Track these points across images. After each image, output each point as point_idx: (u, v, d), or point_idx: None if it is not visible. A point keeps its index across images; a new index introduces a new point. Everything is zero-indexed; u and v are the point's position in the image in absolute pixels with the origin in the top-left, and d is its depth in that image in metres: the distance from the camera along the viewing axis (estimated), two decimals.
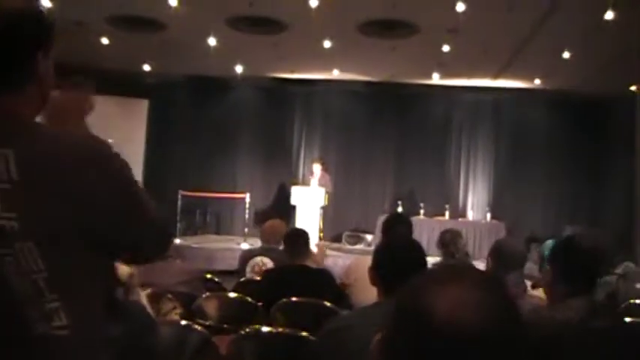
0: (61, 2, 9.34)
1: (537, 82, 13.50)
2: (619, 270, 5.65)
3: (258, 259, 5.32)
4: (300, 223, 11.61)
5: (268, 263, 5.19)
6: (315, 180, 12.31)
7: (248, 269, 5.25)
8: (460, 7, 8.99)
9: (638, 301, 4.77)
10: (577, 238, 2.74)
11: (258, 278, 4.80)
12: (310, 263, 4.48)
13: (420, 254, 2.51)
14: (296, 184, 13.79)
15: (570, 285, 2.51)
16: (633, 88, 9.85)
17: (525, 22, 9.74)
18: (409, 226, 4.52)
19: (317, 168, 12.43)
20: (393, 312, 0.95)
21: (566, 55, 10.92)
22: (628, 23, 8.49)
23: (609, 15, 8.80)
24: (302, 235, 4.63)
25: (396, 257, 2.45)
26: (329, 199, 12.23)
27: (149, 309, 3.30)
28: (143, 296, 3.39)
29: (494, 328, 0.87)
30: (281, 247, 5.22)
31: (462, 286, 0.91)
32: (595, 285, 2.62)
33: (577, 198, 14.54)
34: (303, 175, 14.83)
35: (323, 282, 4.20)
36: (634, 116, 8.51)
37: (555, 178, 14.64)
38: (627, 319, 3.78)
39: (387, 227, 4.41)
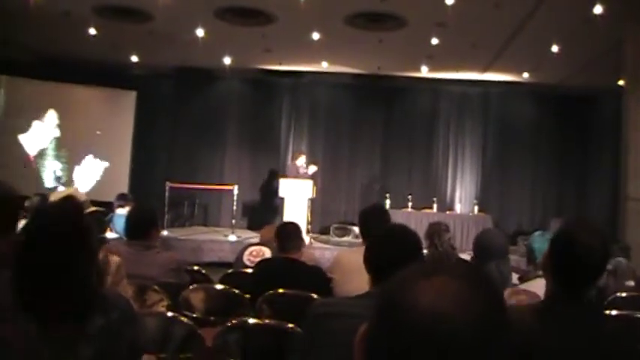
0: None
1: (525, 75, 13.54)
2: (609, 266, 5.58)
3: (257, 247, 5.35)
4: (287, 215, 11.59)
5: (266, 250, 5.21)
6: (311, 168, 12.24)
7: (246, 253, 5.27)
8: (449, 1, 8.99)
9: (624, 294, 4.79)
10: (577, 232, 2.18)
11: (249, 269, 4.79)
12: (301, 257, 4.43)
13: (414, 245, 2.43)
14: (284, 176, 13.78)
15: (560, 287, 2.15)
16: (621, 82, 9.87)
17: (514, 15, 9.76)
18: (387, 217, 4.47)
19: (302, 160, 12.38)
20: (375, 305, 0.95)
21: (554, 48, 10.95)
22: (616, 17, 8.52)
23: (597, 9, 8.82)
24: (293, 229, 4.59)
25: (388, 247, 2.39)
26: (317, 191, 12.22)
27: (133, 300, 3.29)
28: (128, 287, 3.38)
29: (476, 321, 0.86)
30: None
31: (444, 279, 0.89)
32: (587, 290, 2.16)
33: (564, 192, 14.63)
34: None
35: (315, 278, 4.17)
36: (621, 110, 8.56)
37: (542, 172, 14.72)
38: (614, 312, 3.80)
39: (365, 220, 4.37)
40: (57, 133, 13.97)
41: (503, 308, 0.92)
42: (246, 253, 5.28)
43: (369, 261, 2.42)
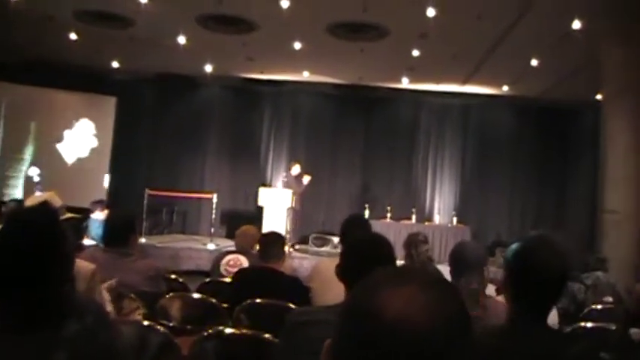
0: None
1: (505, 88, 13.64)
2: (589, 281, 5.56)
3: (234, 255, 5.30)
4: (267, 224, 11.58)
5: (243, 260, 5.16)
6: (305, 178, 12.31)
7: (223, 262, 5.23)
8: (430, 13, 9.04)
9: (599, 307, 4.83)
10: (532, 248, 2.10)
11: (228, 280, 4.76)
12: (282, 267, 4.41)
13: (385, 252, 2.39)
14: (264, 184, 13.78)
15: (520, 306, 2.06)
16: (599, 96, 9.98)
17: (494, 29, 9.83)
18: (368, 227, 4.48)
19: (297, 169, 12.45)
20: (341, 312, 0.95)
21: (534, 62, 11.05)
22: (594, 32, 8.61)
23: (576, 24, 8.93)
24: (275, 238, 4.57)
25: (359, 255, 2.37)
26: (296, 201, 12.22)
27: (110, 307, 3.26)
28: (105, 294, 3.35)
29: (443, 329, 0.86)
30: (255, 251, 5.22)
31: (411, 287, 0.90)
32: (548, 309, 2.07)
33: (542, 203, 14.73)
34: (271, 176, 14.84)
35: (293, 288, 4.16)
36: (598, 124, 8.66)
37: (521, 184, 14.81)
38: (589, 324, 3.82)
39: (345, 229, 4.36)
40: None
41: (469, 318, 0.92)
42: (223, 262, 5.23)
43: (343, 268, 2.38)
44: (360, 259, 2.32)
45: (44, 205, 1.98)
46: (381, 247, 2.43)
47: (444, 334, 0.86)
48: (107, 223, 4.30)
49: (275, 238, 4.54)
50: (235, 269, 4.93)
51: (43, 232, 1.80)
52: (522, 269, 2.07)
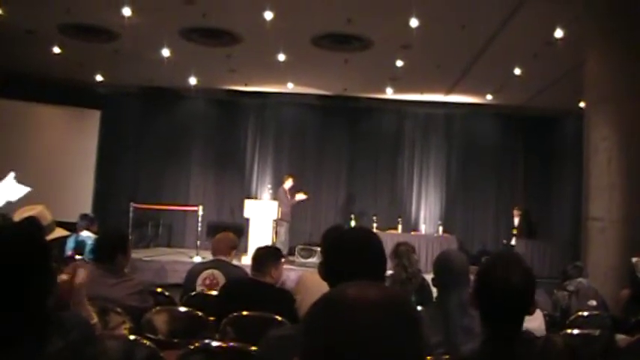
0: (12, 8, 9.19)
1: (489, 97, 13.70)
2: (571, 287, 5.61)
3: (209, 271, 5.23)
4: (253, 236, 11.57)
5: (219, 276, 5.11)
6: (298, 196, 12.36)
7: (199, 281, 5.17)
8: (414, 23, 9.09)
9: (585, 314, 4.84)
10: (493, 266, 2.09)
11: (213, 292, 4.73)
12: (272, 281, 4.39)
13: (376, 250, 2.10)
14: (249, 196, 13.76)
15: (489, 326, 2.06)
16: (581, 104, 10.05)
17: (477, 38, 9.89)
18: None
19: (289, 183, 12.47)
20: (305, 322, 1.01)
21: (517, 71, 11.12)
22: (576, 40, 8.68)
23: (558, 33, 9.00)
24: (268, 253, 4.54)
25: (348, 253, 2.08)
26: (286, 214, 12.23)
27: (96, 321, 3.23)
28: (91, 309, 3.33)
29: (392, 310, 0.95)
30: (228, 259, 5.18)
31: (364, 284, 1.00)
32: (516, 326, 2.03)
33: (527, 211, 14.76)
34: (257, 188, 14.84)
35: (281, 300, 4.14)
36: (582, 131, 8.70)
37: (506, 192, 14.86)
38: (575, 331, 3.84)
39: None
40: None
41: (411, 306, 1.01)
42: (199, 281, 5.15)
43: (327, 268, 2.11)
44: (348, 256, 2.06)
45: (28, 219, 1.97)
46: (372, 241, 2.13)
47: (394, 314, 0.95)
48: (98, 239, 4.32)
49: (264, 253, 4.51)
50: (213, 287, 4.91)
51: (24, 249, 1.79)
52: (483, 290, 2.07)
